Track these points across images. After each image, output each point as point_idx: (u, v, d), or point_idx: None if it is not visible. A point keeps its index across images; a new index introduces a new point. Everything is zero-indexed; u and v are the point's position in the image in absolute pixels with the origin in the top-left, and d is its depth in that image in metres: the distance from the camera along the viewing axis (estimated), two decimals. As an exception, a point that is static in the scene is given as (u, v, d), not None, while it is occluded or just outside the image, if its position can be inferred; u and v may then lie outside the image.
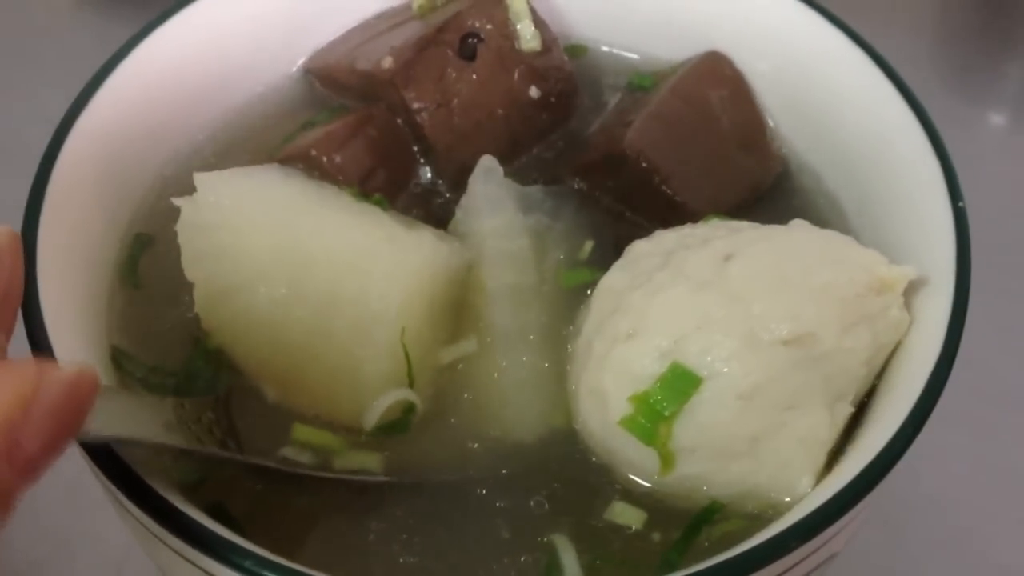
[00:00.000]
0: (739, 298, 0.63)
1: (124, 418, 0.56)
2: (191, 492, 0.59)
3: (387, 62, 0.78)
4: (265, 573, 0.53)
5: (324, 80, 0.86)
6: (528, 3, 0.82)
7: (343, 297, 0.67)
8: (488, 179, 0.75)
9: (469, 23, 0.80)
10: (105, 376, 0.67)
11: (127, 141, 0.76)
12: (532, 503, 0.65)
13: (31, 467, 0.45)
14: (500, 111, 0.80)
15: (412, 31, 0.81)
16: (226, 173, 0.72)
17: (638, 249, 0.70)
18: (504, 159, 0.77)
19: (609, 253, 0.72)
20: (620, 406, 0.63)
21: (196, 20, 0.80)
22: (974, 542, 0.88)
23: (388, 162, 0.79)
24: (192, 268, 0.70)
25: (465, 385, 0.70)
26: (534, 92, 0.81)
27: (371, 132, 0.78)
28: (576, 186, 0.79)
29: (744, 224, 0.70)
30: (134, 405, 0.63)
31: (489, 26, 0.80)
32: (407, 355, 0.67)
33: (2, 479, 0.44)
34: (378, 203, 0.74)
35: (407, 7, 0.85)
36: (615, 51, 0.91)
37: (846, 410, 0.64)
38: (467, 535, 0.64)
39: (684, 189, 0.76)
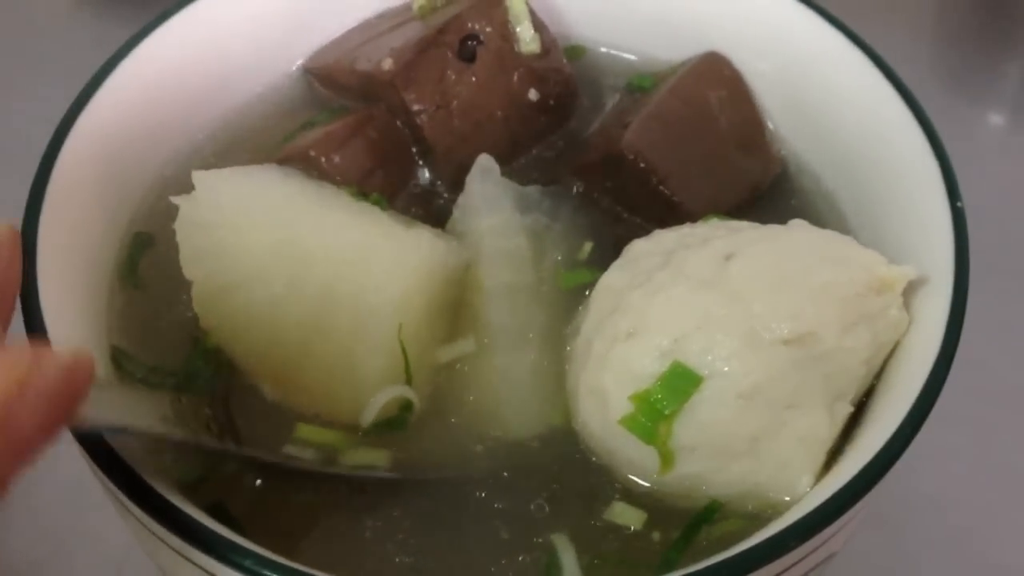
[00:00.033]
0: (739, 297, 0.63)
1: (121, 408, 0.56)
2: (191, 491, 0.59)
3: (387, 63, 0.78)
4: (265, 572, 0.53)
5: (324, 80, 0.86)
6: (528, 5, 0.82)
7: (341, 293, 0.67)
8: (485, 178, 0.75)
9: (469, 25, 0.80)
10: (105, 376, 0.68)
11: (127, 141, 0.76)
12: (531, 503, 0.65)
13: (27, 450, 0.44)
14: (499, 113, 0.80)
15: (412, 32, 0.81)
16: (225, 172, 0.72)
17: (637, 248, 0.70)
18: (502, 160, 0.77)
19: (608, 254, 0.72)
20: (620, 405, 0.63)
21: (196, 20, 0.80)
22: (973, 542, 0.88)
23: (387, 163, 0.79)
24: (190, 266, 0.70)
25: (463, 384, 0.70)
26: (533, 95, 0.81)
27: (370, 133, 0.79)
28: (575, 187, 0.79)
29: (744, 224, 0.70)
30: (131, 397, 0.64)
31: (489, 28, 0.80)
32: (404, 352, 0.67)
33: None
34: (376, 202, 0.74)
35: (407, 7, 0.85)
36: (614, 52, 0.91)
37: (846, 409, 0.64)
38: (466, 535, 0.64)
39: (682, 189, 0.76)
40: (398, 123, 0.80)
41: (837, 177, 0.80)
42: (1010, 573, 0.87)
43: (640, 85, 0.85)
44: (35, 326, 0.61)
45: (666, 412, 0.62)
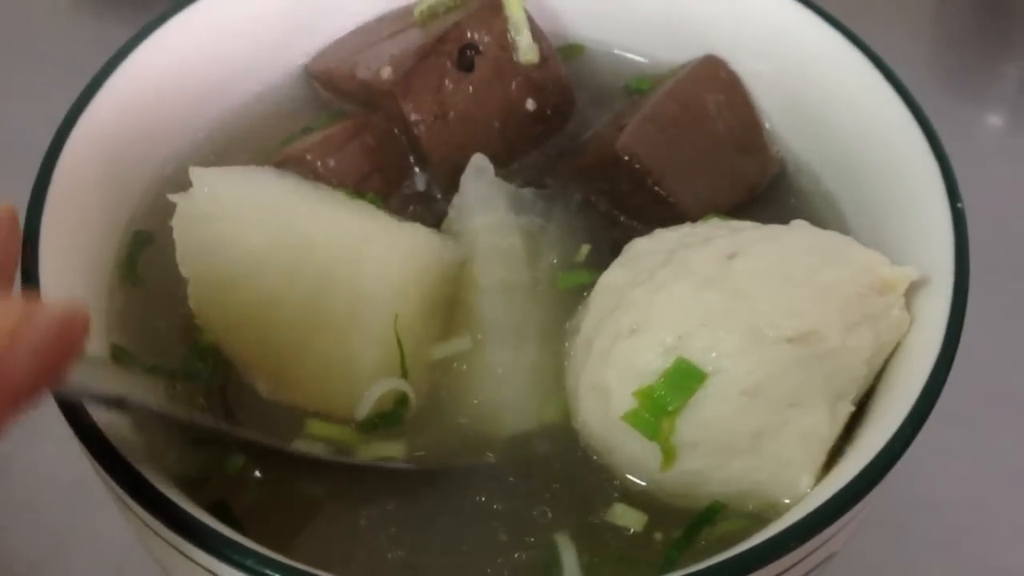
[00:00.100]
0: (743, 295, 0.63)
1: (116, 381, 0.56)
2: (193, 490, 0.59)
3: (386, 72, 0.78)
4: (266, 571, 0.53)
5: (325, 84, 0.86)
6: (527, 14, 0.82)
7: (337, 284, 0.67)
8: (479, 177, 0.76)
9: (468, 34, 0.80)
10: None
11: (128, 141, 0.76)
12: (530, 501, 0.65)
13: (18, 401, 0.44)
14: (496, 123, 0.81)
15: (412, 40, 0.81)
16: (221, 169, 0.72)
17: (638, 247, 0.70)
18: (498, 165, 0.77)
19: (605, 256, 0.72)
20: (623, 401, 0.63)
21: (196, 21, 0.80)
22: (973, 543, 0.88)
23: (383, 168, 0.79)
24: (186, 263, 0.70)
25: (459, 382, 0.70)
26: (530, 104, 0.82)
27: (367, 139, 0.79)
28: (571, 190, 0.79)
29: (745, 224, 0.70)
30: (127, 374, 0.64)
31: (487, 38, 0.80)
32: (400, 344, 0.67)
33: None
34: (372, 202, 0.75)
35: (408, 12, 0.85)
36: (613, 51, 0.91)
37: (847, 409, 0.64)
38: (465, 534, 0.64)
39: (678, 190, 0.76)
40: (395, 130, 0.80)
41: (837, 178, 0.80)
42: (1010, 574, 0.87)
43: (638, 88, 0.86)
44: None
45: (670, 408, 0.62)
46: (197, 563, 0.55)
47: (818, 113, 0.81)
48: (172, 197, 0.70)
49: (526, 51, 0.81)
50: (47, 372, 0.45)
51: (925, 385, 0.60)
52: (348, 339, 0.67)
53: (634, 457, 0.64)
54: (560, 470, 0.67)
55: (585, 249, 0.75)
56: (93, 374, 0.52)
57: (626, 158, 0.76)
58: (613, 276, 0.69)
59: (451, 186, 0.77)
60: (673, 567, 0.60)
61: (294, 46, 0.87)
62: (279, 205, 0.70)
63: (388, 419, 0.68)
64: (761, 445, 0.63)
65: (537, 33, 0.82)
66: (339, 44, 0.87)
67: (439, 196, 0.80)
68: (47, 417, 0.59)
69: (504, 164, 0.80)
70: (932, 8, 1.32)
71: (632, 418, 0.62)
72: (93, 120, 0.73)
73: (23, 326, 0.44)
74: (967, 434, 0.90)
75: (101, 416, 0.58)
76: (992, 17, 1.30)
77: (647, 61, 0.90)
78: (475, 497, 0.66)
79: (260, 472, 0.66)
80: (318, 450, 0.67)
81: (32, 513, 0.88)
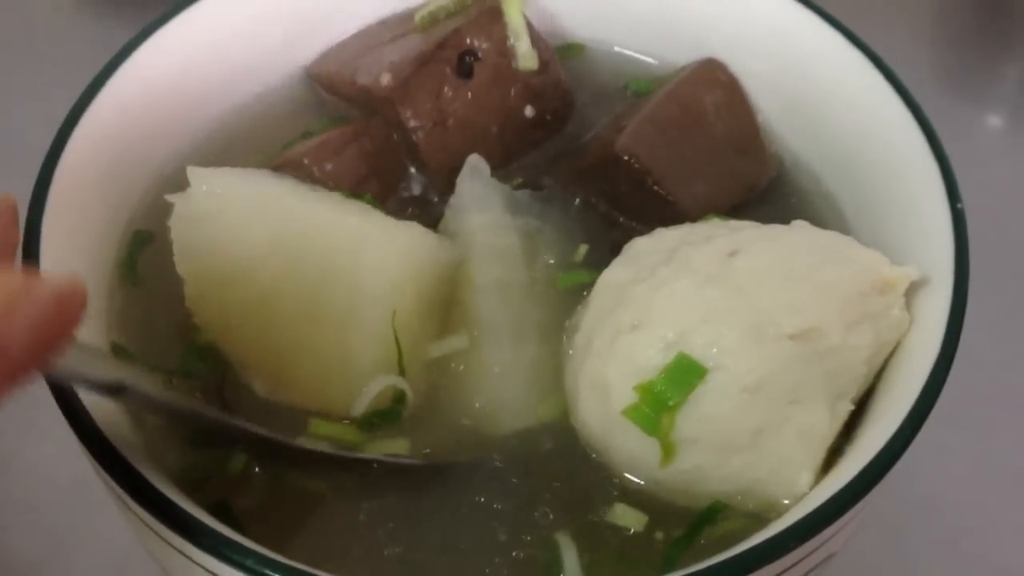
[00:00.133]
0: (745, 292, 0.63)
1: (116, 368, 0.56)
2: (193, 490, 0.59)
3: (385, 79, 0.79)
4: (266, 571, 0.53)
5: (326, 87, 0.87)
6: (526, 21, 0.82)
7: (334, 281, 0.67)
8: (475, 178, 0.76)
9: (467, 41, 0.80)
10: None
11: (129, 142, 0.76)
12: (530, 501, 0.65)
13: (15, 373, 0.44)
14: (494, 129, 0.81)
15: (412, 46, 0.81)
16: (219, 169, 0.72)
17: (639, 246, 0.70)
18: (495, 168, 0.78)
19: (604, 256, 0.72)
20: (623, 396, 0.63)
21: (197, 21, 0.81)
22: (973, 543, 0.88)
23: (380, 173, 0.79)
24: (183, 263, 0.70)
25: (456, 381, 0.70)
26: (529, 111, 0.82)
27: (365, 143, 0.79)
28: (569, 192, 0.80)
29: (746, 224, 0.70)
30: (126, 365, 0.64)
31: (486, 44, 0.80)
32: (397, 341, 0.67)
33: None
34: (369, 202, 0.75)
35: (409, 17, 0.85)
36: (613, 51, 0.91)
37: (847, 407, 0.64)
38: (466, 533, 0.64)
39: (678, 190, 0.76)
40: (394, 136, 0.81)
41: (837, 178, 0.80)
42: (1010, 574, 0.87)
43: (638, 88, 0.86)
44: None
45: (670, 403, 0.62)
46: (197, 563, 0.55)
47: (818, 113, 0.81)
48: (169, 197, 0.70)
49: (525, 57, 0.81)
50: (45, 345, 0.45)
51: (925, 385, 0.60)
52: (346, 336, 0.67)
53: (633, 454, 0.64)
54: (559, 469, 0.67)
55: (583, 249, 0.76)
56: (92, 360, 0.52)
57: (626, 158, 0.76)
58: (614, 274, 0.69)
59: (448, 190, 0.77)
60: (673, 566, 0.60)
61: (295, 47, 0.87)
62: (277, 204, 0.71)
63: (386, 416, 0.68)
64: (761, 442, 0.63)
65: (536, 39, 0.82)
66: (340, 48, 0.88)
67: (436, 200, 0.80)
68: (47, 417, 0.60)
69: (501, 166, 0.80)
70: (932, 8, 1.32)
71: (632, 413, 0.63)
72: (94, 120, 0.73)
73: (21, 299, 0.44)
74: (967, 434, 0.90)
75: (101, 416, 0.58)
76: (992, 17, 1.30)
77: (647, 61, 0.90)
78: (475, 496, 0.66)
79: (260, 468, 0.66)
80: (319, 447, 0.67)
81: (32, 513, 0.88)
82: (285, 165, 0.77)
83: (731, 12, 0.84)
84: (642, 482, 0.65)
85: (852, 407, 0.65)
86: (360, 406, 0.67)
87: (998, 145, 1.18)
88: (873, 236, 0.74)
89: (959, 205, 0.68)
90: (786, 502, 0.63)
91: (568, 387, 0.68)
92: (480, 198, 0.75)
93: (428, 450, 0.68)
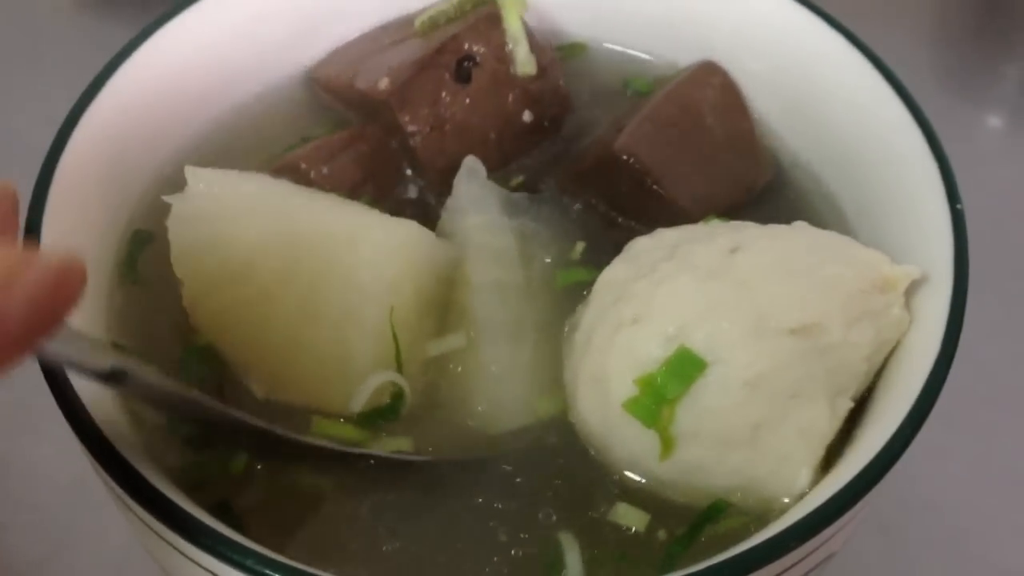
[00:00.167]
0: (746, 287, 0.63)
1: (116, 357, 0.56)
2: (194, 490, 0.59)
3: (384, 83, 0.79)
4: (266, 571, 0.53)
5: (326, 90, 0.87)
6: (526, 26, 0.82)
7: (332, 279, 0.67)
8: (471, 179, 0.76)
9: (466, 46, 0.80)
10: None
11: (129, 142, 0.77)
12: (531, 501, 0.65)
13: (13, 348, 0.44)
14: (492, 135, 0.81)
15: (411, 51, 0.81)
16: (217, 170, 0.72)
17: (640, 245, 0.70)
18: (492, 171, 0.78)
19: (603, 256, 0.72)
20: (623, 390, 0.63)
21: (197, 22, 0.81)
22: (972, 543, 0.88)
23: (377, 177, 0.80)
24: (181, 263, 0.70)
25: (454, 380, 0.70)
26: (527, 116, 0.82)
27: (362, 148, 0.80)
28: (567, 194, 0.80)
29: (746, 224, 0.71)
30: (126, 355, 0.64)
31: (485, 49, 0.80)
32: (395, 337, 0.67)
33: None
34: (366, 203, 0.75)
35: (409, 22, 0.85)
36: (614, 51, 0.91)
37: (846, 405, 0.65)
38: (466, 532, 0.64)
39: (678, 190, 0.76)
40: (392, 140, 0.81)
41: (837, 178, 0.80)
42: (1010, 574, 0.87)
43: (638, 88, 0.86)
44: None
45: (669, 396, 0.62)
46: (197, 563, 0.55)
47: (818, 113, 0.81)
48: (167, 198, 0.70)
49: (523, 63, 0.81)
50: (43, 320, 0.45)
51: (925, 385, 0.60)
52: (344, 334, 0.67)
53: (632, 449, 0.64)
54: (559, 467, 0.67)
55: (580, 246, 0.76)
56: (92, 347, 0.51)
57: (625, 157, 0.76)
58: (614, 272, 0.69)
59: (445, 193, 0.77)
60: (674, 564, 0.61)
61: (295, 48, 0.87)
62: (273, 203, 0.71)
63: (384, 414, 0.68)
64: (760, 437, 0.63)
65: (536, 45, 0.82)
66: (341, 52, 0.88)
67: (433, 203, 0.80)
68: (47, 417, 0.60)
69: (498, 169, 0.81)
70: (932, 8, 1.32)
71: (632, 406, 0.63)
72: (94, 120, 0.73)
73: (20, 272, 0.43)
74: (967, 434, 0.90)
75: (101, 415, 0.58)
76: (992, 17, 1.31)
77: (648, 61, 0.90)
78: (476, 494, 0.66)
79: (260, 465, 0.66)
80: (320, 442, 0.67)
81: (32, 513, 0.88)
82: (282, 169, 0.78)
83: (731, 12, 0.84)
84: (642, 479, 0.65)
85: (852, 404, 0.65)
86: (358, 402, 0.67)
87: (998, 146, 1.18)
88: (873, 236, 0.74)
89: (959, 206, 0.68)
90: (786, 499, 0.63)
91: (568, 382, 0.68)
92: (477, 199, 0.75)
93: (429, 448, 0.68)
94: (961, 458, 0.90)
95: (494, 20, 0.81)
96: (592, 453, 0.67)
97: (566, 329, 0.71)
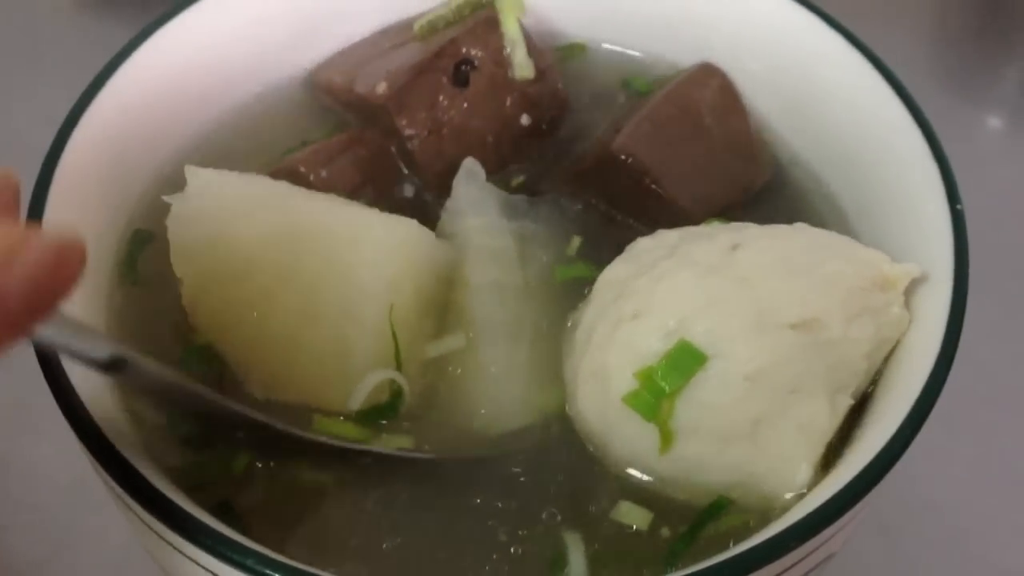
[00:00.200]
0: (747, 282, 0.64)
1: (117, 346, 0.56)
2: (194, 490, 0.59)
3: (382, 87, 0.79)
4: (266, 571, 0.53)
5: (327, 93, 0.87)
6: (523, 30, 0.82)
7: (331, 277, 0.67)
8: (470, 181, 0.76)
9: (464, 50, 0.80)
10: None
11: (129, 142, 0.77)
12: (532, 500, 0.65)
13: (13, 326, 0.44)
14: (490, 138, 0.81)
15: (409, 55, 0.81)
16: (216, 171, 0.72)
17: (641, 245, 0.71)
18: (492, 175, 0.78)
19: (603, 255, 0.72)
20: (623, 384, 0.63)
21: (197, 22, 0.81)
22: (972, 543, 0.88)
23: (376, 179, 0.80)
24: (180, 263, 0.70)
25: (453, 380, 0.70)
26: (525, 120, 0.82)
27: (361, 151, 0.80)
28: (567, 196, 0.80)
29: (747, 224, 0.71)
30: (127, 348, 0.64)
31: (483, 53, 0.81)
32: (395, 335, 0.67)
33: None
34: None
35: (409, 26, 0.85)
36: (614, 51, 0.91)
37: (846, 402, 0.65)
38: (467, 531, 0.64)
39: (677, 189, 0.77)
40: (391, 144, 0.81)
41: (837, 179, 0.80)
42: (1010, 574, 0.87)
43: (638, 88, 0.86)
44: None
45: (668, 389, 0.62)
46: (197, 563, 0.55)
47: (818, 113, 0.81)
48: (167, 198, 0.70)
49: (521, 67, 0.81)
50: (42, 298, 0.45)
51: (925, 385, 0.60)
52: (344, 332, 0.67)
53: (632, 444, 0.64)
54: (559, 464, 0.67)
55: (577, 241, 0.76)
56: (92, 334, 0.51)
57: (623, 157, 0.76)
58: (615, 271, 0.69)
59: (443, 196, 0.78)
60: (676, 562, 0.61)
61: (295, 48, 0.88)
62: (272, 202, 0.71)
63: (383, 412, 0.68)
64: (760, 433, 0.63)
65: (533, 48, 0.82)
66: (342, 55, 0.88)
67: (431, 205, 0.80)
68: (47, 417, 0.60)
69: (497, 172, 0.81)
70: (932, 8, 1.32)
71: (632, 400, 0.63)
72: (94, 120, 0.73)
73: (20, 249, 0.43)
74: (967, 434, 0.90)
75: (100, 414, 0.58)
76: (992, 17, 1.31)
77: (648, 61, 0.90)
78: (477, 493, 0.66)
79: (260, 462, 0.66)
80: (320, 438, 0.66)
81: (32, 513, 0.88)
82: (281, 172, 0.78)
83: (731, 12, 0.84)
84: (642, 475, 0.65)
85: (852, 402, 0.65)
86: (357, 399, 0.67)
87: (998, 146, 1.18)
88: (873, 236, 0.74)
89: (959, 206, 0.68)
90: (786, 496, 0.63)
91: (568, 379, 0.69)
92: (476, 201, 0.76)
93: (428, 447, 0.68)
94: (961, 458, 0.90)
95: (492, 24, 0.81)
96: (591, 449, 0.67)
97: (568, 325, 0.71)
